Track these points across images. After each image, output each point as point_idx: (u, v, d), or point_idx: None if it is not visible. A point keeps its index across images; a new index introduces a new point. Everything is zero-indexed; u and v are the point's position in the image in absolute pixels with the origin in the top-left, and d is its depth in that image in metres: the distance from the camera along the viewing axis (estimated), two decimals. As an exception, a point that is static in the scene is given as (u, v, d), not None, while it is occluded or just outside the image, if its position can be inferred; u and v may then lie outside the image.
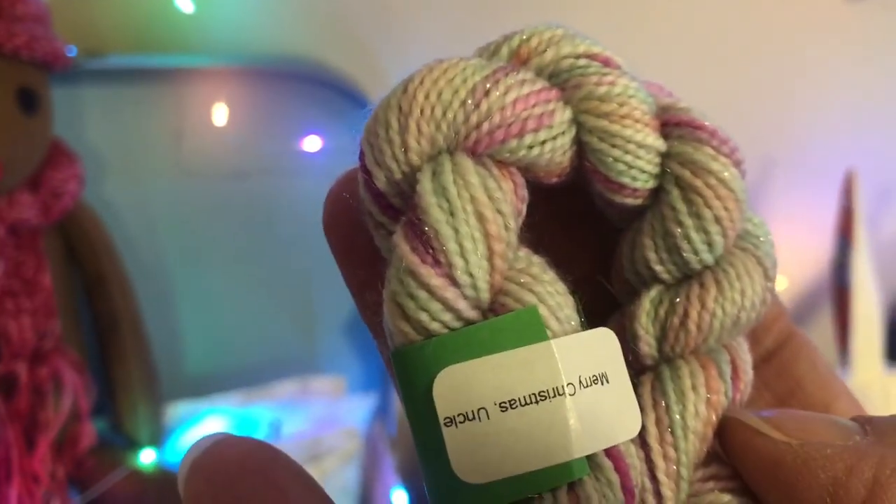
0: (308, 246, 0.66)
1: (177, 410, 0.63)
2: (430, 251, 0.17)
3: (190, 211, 0.62)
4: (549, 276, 0.18)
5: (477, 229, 0.17)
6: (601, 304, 0.21)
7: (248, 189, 0.62)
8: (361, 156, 0.19)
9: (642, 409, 0.19)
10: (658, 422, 0.19)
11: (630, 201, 0.20)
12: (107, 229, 0.56)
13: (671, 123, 0.20)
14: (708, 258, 0.20)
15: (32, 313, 0.52)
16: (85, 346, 0.57)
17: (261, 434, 0.62)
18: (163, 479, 0.55)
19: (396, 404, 0.72)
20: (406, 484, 0.64)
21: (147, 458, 0.56)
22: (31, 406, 0.52)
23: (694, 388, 0.19)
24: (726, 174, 0.19)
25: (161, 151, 0.60)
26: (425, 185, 0.18)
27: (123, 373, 0.57)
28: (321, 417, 0.63)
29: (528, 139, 0.19)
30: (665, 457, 0.18)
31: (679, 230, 0.19)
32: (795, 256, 0.70)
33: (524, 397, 0.17)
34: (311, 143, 0.61)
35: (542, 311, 0.17)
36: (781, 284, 0.71)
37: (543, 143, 0.19)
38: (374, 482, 0.66)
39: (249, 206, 0.63)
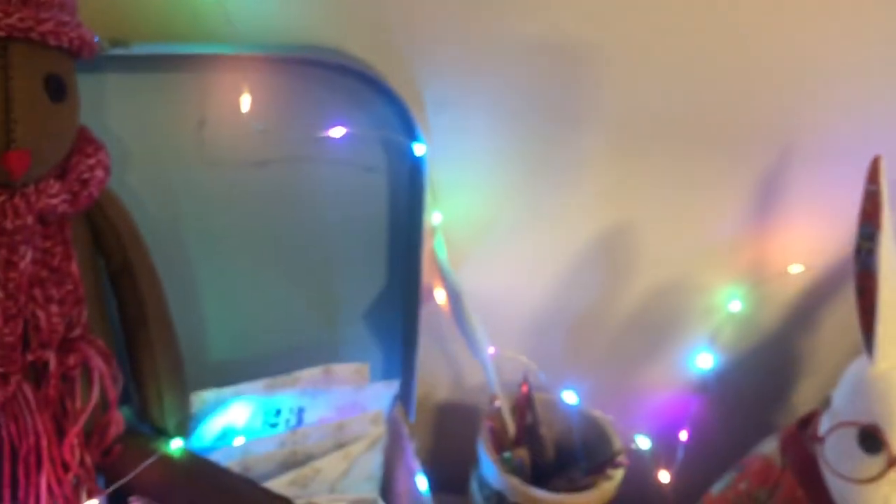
0: (330, 234, 0.66)
1: (201, 398, 0.63)
2: None
3: (213, 199, 0.62)
4: None
5: None
6: None
7: (270, 177, 0.62)
8: None
9: None
10: None
11: None
12: (132, 217, 0.56)
13: None
14: None
15: (60, 302, 0.52)
16: (111, 334, 0.57)
17: (285, 420, 0.62)
18: (191, 464, 0.56)
19: (417, 391, 0.72)
20: (423, 470, 0.64)
21: (174, 446, 0.56)
22: (60, 394, 0.53)
23: None
24: None
25: (184, 140, 0.60)
26: None
27: (150, 361, 0.57)
28: (345, 404, 0.63)
29: None
30: None
31: None
32: (814, 243, 0.71)
33: None
34: (334, 132, 0.61)
35: None
36: (796, 270, 0.72)
37: None
38: (396, 467, 0.66)
39: (272, 194, 0.63)
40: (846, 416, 0.55)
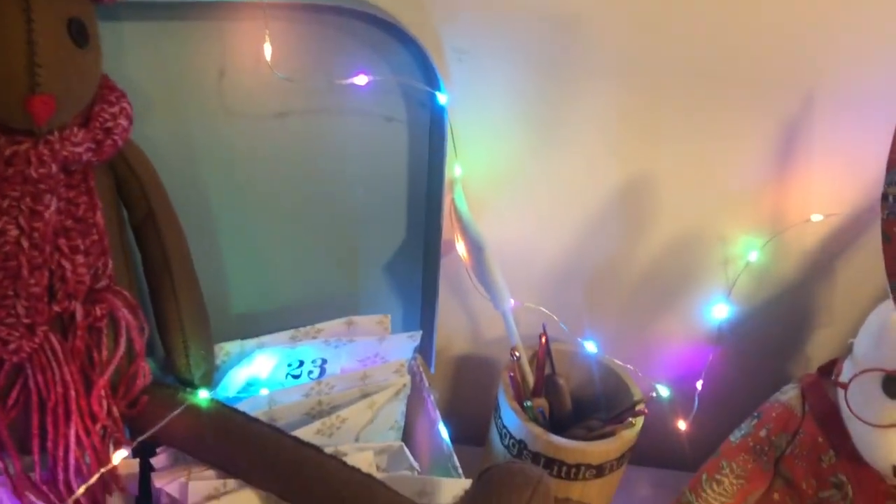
0: (351, 185, 0.65)
1: (224, 350, 0.63)
2: None
3: (233, 149, 0.61)
4: None
5: None
6: None
7: (291, 128, 0.62)
8: None
9: None
10: None
11: None
12: (154, 168, 0.56)
13: None
14: None
15: (86, 252, 0.51)
16: (136, 285, 0.57)
17: (308, 371, 0.63)
18: (219, 414, 0.55)
19: (436, 343, 0.72)
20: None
21: (201, 397, 0.56)
22: (87, 346, 0.52)
23: None
24: None
25: (204, 89, 0.59)
26: None
27: (175, 312, 0.57)
28: (367, 355, 0.63)
29: None
30: None
31: None
32: (834, 192, 0.71)
33: None
34: (358, 80, 0.60)
35: None
36: (815, 218, 0.72)
37: None
38: (416, 418, 0.67)
39: (293, 144, 0.62)
40: (870, 362, 0.55)
